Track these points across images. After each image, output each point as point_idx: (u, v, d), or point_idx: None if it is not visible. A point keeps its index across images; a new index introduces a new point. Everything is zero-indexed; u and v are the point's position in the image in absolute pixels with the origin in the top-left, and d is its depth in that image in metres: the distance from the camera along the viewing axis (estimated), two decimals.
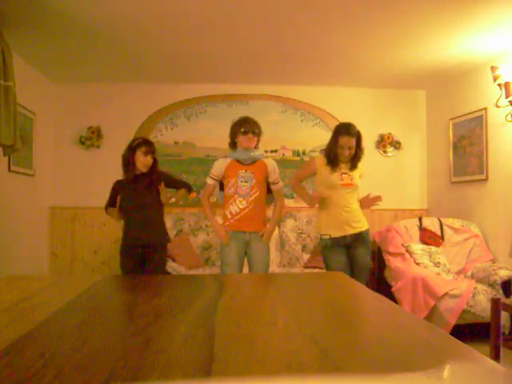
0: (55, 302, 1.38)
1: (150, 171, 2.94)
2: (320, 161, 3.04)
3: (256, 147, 2.91)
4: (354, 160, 3.00)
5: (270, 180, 2.91)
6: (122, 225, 3.04)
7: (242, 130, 2.83)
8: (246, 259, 2.91)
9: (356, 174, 3.01)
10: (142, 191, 2.91)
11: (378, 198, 3.03)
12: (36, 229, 4.23)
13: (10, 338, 0.94)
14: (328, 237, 2.96)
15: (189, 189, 3.13)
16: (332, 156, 2.97)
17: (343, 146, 2.92)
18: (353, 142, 2.91)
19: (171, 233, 3.11)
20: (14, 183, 3.71)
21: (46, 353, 0.87)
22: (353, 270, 2.95)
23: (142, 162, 2.88)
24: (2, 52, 2.88)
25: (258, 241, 2.85)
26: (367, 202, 3.06)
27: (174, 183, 3.11)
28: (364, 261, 2.99)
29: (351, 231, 2.94)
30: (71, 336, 1.01)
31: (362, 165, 3.08)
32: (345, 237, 2.94)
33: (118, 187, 3.00)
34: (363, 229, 2.99)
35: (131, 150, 2.90)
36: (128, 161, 2.90)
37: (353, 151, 2.94)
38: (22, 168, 3.82)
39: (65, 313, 1.22)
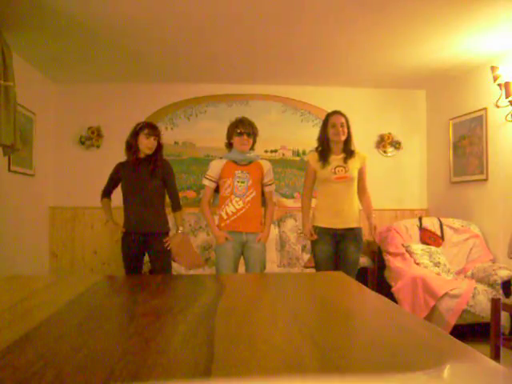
0: (55, 302, 1.38)
1: (154, 155, 2.90)
2: (313, 158, 3.04)
3: (252, 148, 2.92)
4: (347, 146, 2.96)
5: (265, 181, 2.92)
6: (123, 213, 2.96)
7: (237, 131, 2.84)
8: (242, 259, 2.90)
9: (353, 164, 2.95)
10: (145, 176, 2.85)
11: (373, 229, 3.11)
12: (36, 229, 4.23)
13: (10, 337, 0.94)
14: (317, 225, 2.96)
15: (179, 208, 3.03)
16: (324, 147, 2.98)
17: (335, 124, 2.92)
18: (343, 119, 2.94)
19: (171, 233, 3.08)
20: (14, 183, 3.71)
21: (46, 353, 0.87)
22: (341, 267, 2.91)
23: (146, 144, 2.85)
24: (2, 52, 2.88)
25: (255, 241, 2.85)
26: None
27: (169, 188, 2.97)
28: (353, 257, 2.94)
29: (341, 225, 2.92)
30: (71, 336, 1.01)
31: (364, 153, 3.06)
32: (335, 229, 2.92)
33: (119, 168, 2.95)
34: (354, 225, 2.94)
35: (134, 133, 2.89)
36: (131, 144, 2.88)
37: (345, 129, 2.93)
38: (22, 168, 3.81)
39: (65, 313, 1.22)
